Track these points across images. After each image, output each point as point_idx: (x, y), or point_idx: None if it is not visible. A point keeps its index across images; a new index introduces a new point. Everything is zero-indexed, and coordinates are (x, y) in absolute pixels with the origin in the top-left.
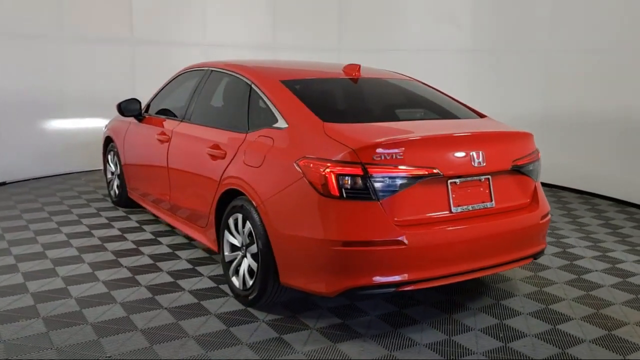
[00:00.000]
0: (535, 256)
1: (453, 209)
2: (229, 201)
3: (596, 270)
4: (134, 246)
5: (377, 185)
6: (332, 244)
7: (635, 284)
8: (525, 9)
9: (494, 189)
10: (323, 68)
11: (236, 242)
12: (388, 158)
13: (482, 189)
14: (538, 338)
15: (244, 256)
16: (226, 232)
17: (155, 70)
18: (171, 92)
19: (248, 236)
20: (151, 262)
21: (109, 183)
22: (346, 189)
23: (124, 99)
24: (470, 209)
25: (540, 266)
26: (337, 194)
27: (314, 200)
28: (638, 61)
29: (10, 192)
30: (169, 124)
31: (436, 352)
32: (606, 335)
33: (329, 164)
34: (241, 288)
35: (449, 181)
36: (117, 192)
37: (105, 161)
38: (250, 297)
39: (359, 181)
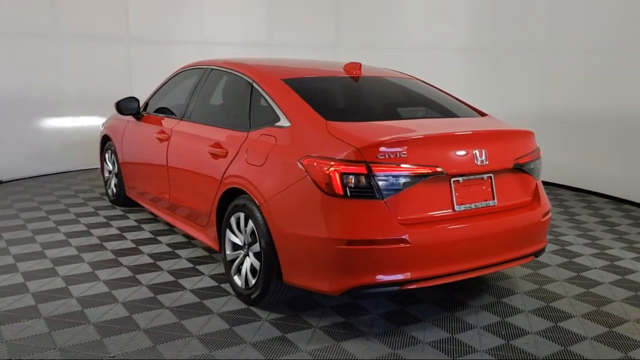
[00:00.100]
0: (537, 254)
1: (456, 208)
2: (231, 200)
3: (595, 268)
4: (133, 245)
5: (382, 183)
6: (337, 243)
7: (634, 281)
8: (524, 8)
9: (496, 187)
10: (323, 66)
11: (238, 241)
12: (392, 157)
13: (484, 187)
14: (540, 335)
15: (246, 255)
16: (228, 231)
17: (151, 68)
18: (170, 91)
19: (250, 235)
20: (151, 261)
21: (106, 182)
22: (350, 187)
23: (121, 97)
24: (473, 207)
25: (540, 264)
26: (341, 192)
27: (318, 199)
28: (637, 61)
29: (6, 191)
30: (168, 123)
31: (440, 351)
32: (607, 332)
33: (332, 163)
34: (243, 287)
35: (452, 180)
36: (114, 190)
37: (103, 160)
38: (252, 296)
39: (363, 180)
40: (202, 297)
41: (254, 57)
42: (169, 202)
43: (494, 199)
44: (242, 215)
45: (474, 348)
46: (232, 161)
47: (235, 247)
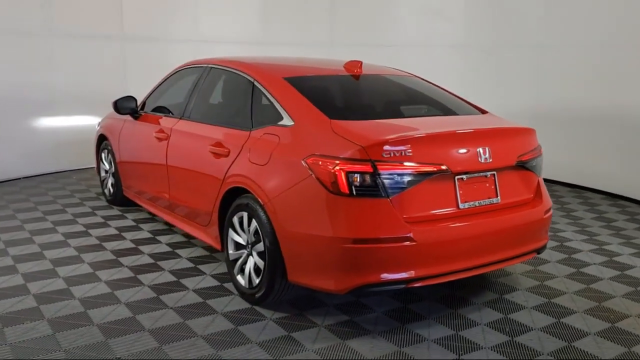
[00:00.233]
0: (539, 251)
1: (460, 205)
2: (233, 199)
3: (594, 264)
4: (133, 245)
5: (387, 182)
6: (342, 242)
7: (633, 277)
8: (520, 4)
9: (500, 184)
10: (323, 65)
11: (241, 240)
12: (397, 155)
13: (488, 185)
14: (544, 332)
15: (250, 254)
16: (230, 230)
17: (146, 67)
18: (167, 90)
19: (254, 234)
20: (152, 261)
21: (102, 181)
22: (356, 186)
23: (115, 96)
24: (477, 204)
25: (540, 260)
26: (347, 191)
27: (323, 197)
28: (635, 58)
29: (1, 192)
30: (167, 122)
31: (445, 348)
32: (610, 327)
33: (338, 162)
34: (247, 286)
35: (456, 177)
36: (111, 190)
37: (99, 159)
38: (256, 295)
39: (369, 178)
40: (206, 297)
41: (251, 55)
42: (168, 201)
43: (497, 196)
44: (245, 214)
45: (479, 345)
46: (234, 160)
47: (238, 246)
